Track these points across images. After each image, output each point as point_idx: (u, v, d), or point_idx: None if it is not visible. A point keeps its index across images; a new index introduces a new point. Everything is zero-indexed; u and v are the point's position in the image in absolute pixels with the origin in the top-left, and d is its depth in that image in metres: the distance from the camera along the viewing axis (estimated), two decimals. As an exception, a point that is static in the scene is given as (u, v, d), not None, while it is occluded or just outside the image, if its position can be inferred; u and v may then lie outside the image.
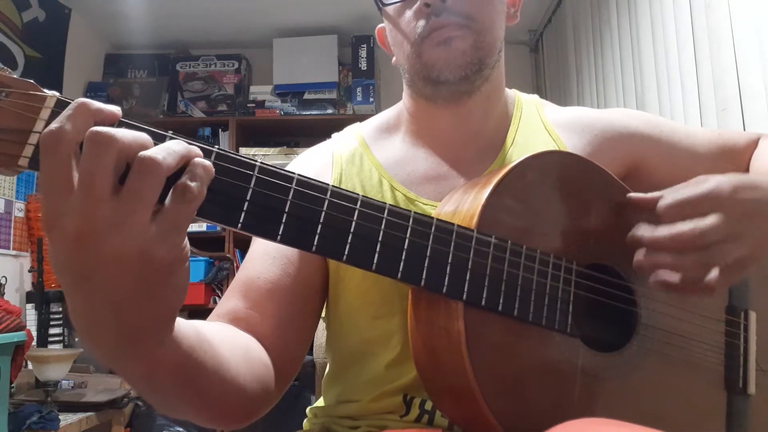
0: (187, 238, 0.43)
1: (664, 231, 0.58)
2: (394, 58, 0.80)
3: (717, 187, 0.59)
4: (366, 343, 0.72)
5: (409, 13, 0.72)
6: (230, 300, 0.68)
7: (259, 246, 0.73)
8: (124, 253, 0.39)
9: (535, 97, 0.86)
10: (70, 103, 0.43)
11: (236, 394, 0.56)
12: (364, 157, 0.78)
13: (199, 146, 0.45)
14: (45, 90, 0.43)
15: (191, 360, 0.49)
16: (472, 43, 0.70)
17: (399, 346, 0.69)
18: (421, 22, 0.70)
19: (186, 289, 0.44)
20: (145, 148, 0.40)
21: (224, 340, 0.57)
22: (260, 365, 0.62)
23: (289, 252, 0.70)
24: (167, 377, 0.47)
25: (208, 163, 0.42)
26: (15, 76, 0.43)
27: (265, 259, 0.70)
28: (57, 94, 0.43)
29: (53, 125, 0.39)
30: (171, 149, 0.41)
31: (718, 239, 0.57)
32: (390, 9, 0.75)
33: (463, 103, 0.75)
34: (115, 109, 0.43)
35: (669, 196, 0.60)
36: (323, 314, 0.80)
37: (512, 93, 0.84)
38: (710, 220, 0.57)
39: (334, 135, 0.85)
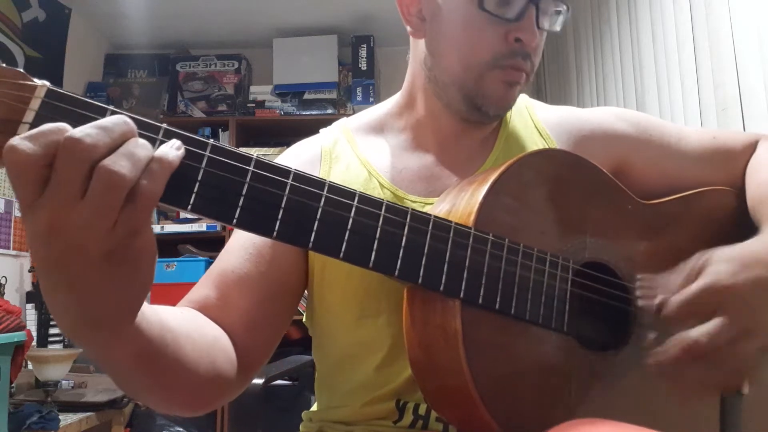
0: (153, 234, 0.44)
1: (674, 348, 0.60)
2: (410, 29, 0.74)
3: (715, 280, 0.59)
4: (352, 345, 0.72)
5: (493, 28, 0.68)
6: (202, 288, 0.69)
7: (238, 239, 0.72)
8: (89, 251, 0.40)
9: (524, 96, 0.85)
10: (60, 93, 0.42)
11: (194, 385, 0.58)
12: (352, 154, 0.77)
13: (193, 138, 0.45)
14: (35, 79, 0.42)
15: (151, 349, 0.50)
16: (521, 89, 0.73)
17: (386, 347, 0.68)
18: (503, 49, 0.68)
19: (150, 284, 0.45)
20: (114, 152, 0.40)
21: (189, 332, 0.58)
22: (224, 358, 0.63)
23: (264, 249, 0.70)
24: (124, 362, 0.49)
25: (166, 155, 0.42)
26: (3, 65, 0.41)
27: (241, 253, 0.70)
28: (47, 83, 0.42)
29: (17, 140, 0.38)
30: (135, 156, 0.40)
31: (729, 340, 0.58)
32: (479, 12, 0.68)
33: (478, 123, 0.76)
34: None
35: (671, 300, 0.60)
36: (304, 319, 0.80)
37: None
38: (714, 324, 0.58)
39: (322, 130, 0.83)
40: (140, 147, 0.41)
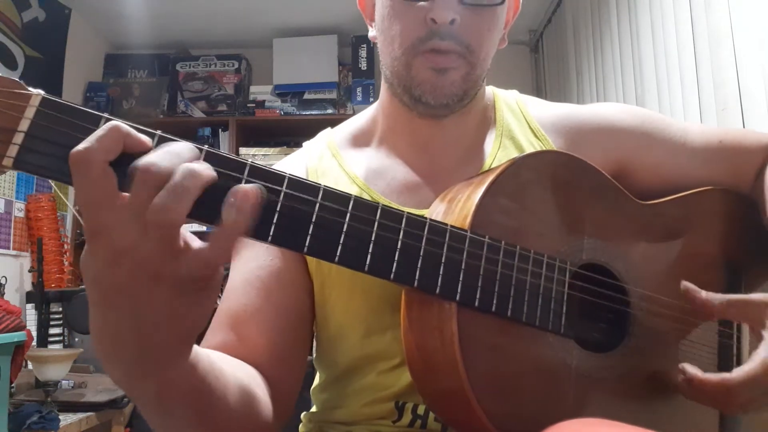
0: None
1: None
2: (372, 32, 0.75)
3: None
4: (359, 359, 0.71)
5: (411, 14, 0.66)
6: (218, 334, 0.66)
7: (239, 275, 0.70)
8: (164, 275, 0.40)
9: (515, 93, 0.82)
10: (54, 101, 0.43)
11: (239, 425, 0.56)
12: (339, 170, 0.75)
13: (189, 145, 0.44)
14: (30, 88, 0.43)
15: (203, 385, 0.49)
16: (464, 75, 0.68)
17: (397, 359, 0.67)
18: (421, 33, 0.66)
19: (210, 312, 0.45)
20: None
21: (231, 370, 0.56)
22: (262, 396, 0.61)
23: (270, 281, 0.68)
24: (178, 400, 0.48)
25: (249, 190, 0.42)
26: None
27: (248, 289, 0.68)
28: (42, 92, 0.43)
29: (82, 145, 0.39)
30: (197, 174, 0.40)
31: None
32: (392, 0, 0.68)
33: (439, 118, 0.72)
34: (145, 139, 0.43)
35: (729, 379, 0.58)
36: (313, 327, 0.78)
37: (490, 92, 0.80)
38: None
39: (305, 144, 0.81)
40: (204, 169, 0.41)
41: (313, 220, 0.49)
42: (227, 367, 0.56)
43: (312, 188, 0.50)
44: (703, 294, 0.63)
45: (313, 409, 0.80)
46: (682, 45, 1.66)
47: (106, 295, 0.41)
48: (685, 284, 0.64)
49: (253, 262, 0.69)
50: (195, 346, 0.48)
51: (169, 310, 0.41)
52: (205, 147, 0.46)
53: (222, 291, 0.71)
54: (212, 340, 0.66)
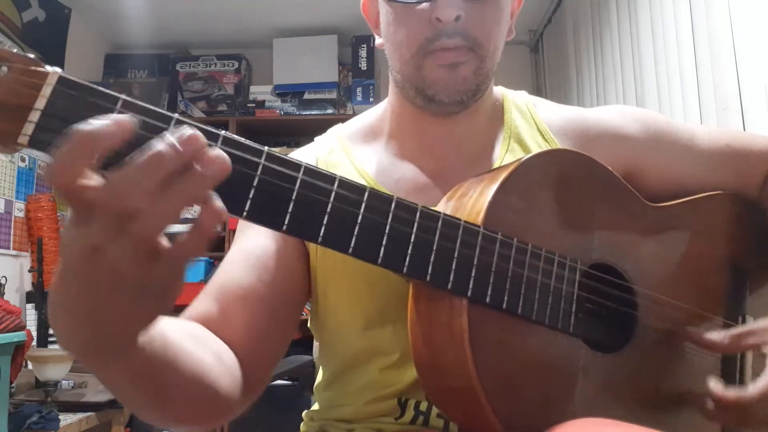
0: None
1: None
2: (379, 40, 0.76)
3: None
4: (360, 353, 0.71)
5: (415, 17, 0.67)
6: (203, 302, 0.67)
7: (239, 251, 0.70)
8: (129, 279, 0.39)
9: (524, 94, 0.82)
10: (71, 80, 0.42)
11: (196, 402, 0.56)
12: (349, 164, 0.75)
13: (206, 130, 0.44)
14: (47, 66, 0.42)
15: (150, 368, 0.49)
16: (475, 70, 0.68)
17: (397, 354, 0.68)
18: (428, 33, 0.66)
19: (169, 312, 0.44)
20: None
21: (192, 348, 0.56)
22: (227, 375, 0.60)
23: (267, 260, 0.68)
24: (123, 381, 0.48)
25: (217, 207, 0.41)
26: (15, 51, 0.41)
27: (243, 264, 0.68)
28: (59, 70, 0.42)
29: (53, 164, 0.37)
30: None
31: None
32: (393, 4, 0.69)
33: (451, 116, 0.73)
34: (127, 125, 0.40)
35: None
36: (309, 324, 0.79)
37: (499, 92, 0.80)
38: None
39: (317, 138, 0.82)
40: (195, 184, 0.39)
41: (328, 210, 0.49)
42: (187, 347, 0.55)
43: (327, 178, 0.50)
44: (705, 337, 0.66)
45: (315, 407, 0.80)
46: (682, 45, 1.66)
47: (70, 288, 0.40)
48: (688, 333, 0.67)
49: (254, 240, 0.70)
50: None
51: (124, 312, 0.41)
52: (222, 132, 0.46)
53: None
54: (197, 307, 0.66)
